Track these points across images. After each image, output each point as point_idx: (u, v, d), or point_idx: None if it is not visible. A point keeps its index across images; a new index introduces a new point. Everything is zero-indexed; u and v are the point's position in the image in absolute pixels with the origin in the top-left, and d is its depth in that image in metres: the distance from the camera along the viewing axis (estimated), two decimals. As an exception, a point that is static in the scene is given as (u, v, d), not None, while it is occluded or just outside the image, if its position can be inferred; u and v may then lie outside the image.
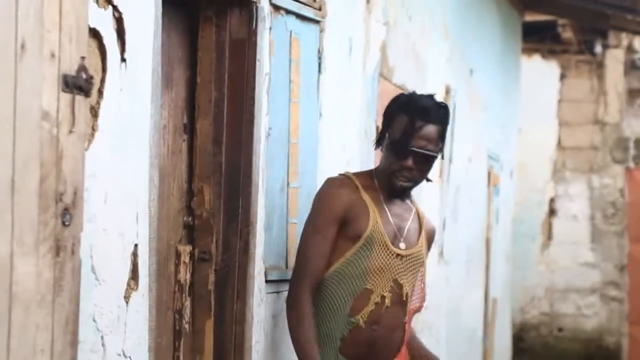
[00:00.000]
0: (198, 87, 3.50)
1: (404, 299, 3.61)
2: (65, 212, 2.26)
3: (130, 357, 2.83)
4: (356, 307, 3.56)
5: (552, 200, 11.65)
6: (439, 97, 3.66)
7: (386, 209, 3.63)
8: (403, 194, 3.70)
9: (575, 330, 11.49)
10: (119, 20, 2.72)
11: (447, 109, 3.64)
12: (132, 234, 2.83)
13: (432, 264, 6.65)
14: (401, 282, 3.60)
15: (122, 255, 2.79)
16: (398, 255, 3.61)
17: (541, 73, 11.50)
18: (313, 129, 4.17)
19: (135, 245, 2.85)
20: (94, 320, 2.65)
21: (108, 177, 2.69)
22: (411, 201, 3.77)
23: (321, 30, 4.21)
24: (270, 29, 3.69)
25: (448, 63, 6.81)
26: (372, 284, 3.57)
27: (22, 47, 2.10)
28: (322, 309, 3.58)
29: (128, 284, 2.82)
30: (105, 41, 2.66)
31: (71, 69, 2.26)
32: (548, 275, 11.60)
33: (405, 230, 3.67)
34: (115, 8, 2.70)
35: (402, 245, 3.64)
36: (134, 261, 2.84)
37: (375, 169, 3.73)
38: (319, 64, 4.20)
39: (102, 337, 2.69)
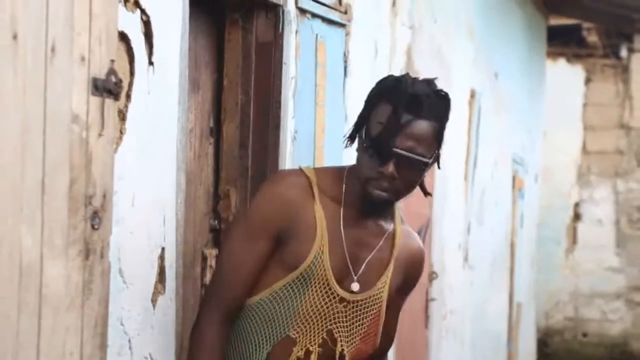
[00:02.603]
0: (224, 90, 3.50)
1: (337, 359, 2.66)
2: (95, 215, 2.26)
3: (157, 361, 2.83)
4: (274, 357, 2.63)
5: (577, 205, 11.60)
6: (441, 85, 2.65)
7: (342, 230, 2.63)
8: (380, 210, 2.67)
9: (600, 335, 11.43)
10: (146, 24, 2.72)
11: (447, 100, 2.58)
12: (159, 237, 2.83)
13: (456, 268, 6.64)
14: (336, 335, 2.66)
15: (149, 259, 2.79)
16: (342, 299, 2.65)
17: (566, 77, 11.46)
18: (339, 132, 4.16)
19: (163, 249, 2.85)
20: (122, 324, 2.65)
21: (135, 180, 2.70)
22: (389, 218, 2.72)
23: (347, 34, 4.20)
24: (296, 32, 3.69)
25: (473, 66, 6.80)
26: (297, 332, 2.63)
27: (52, 50, 2.11)
28: (233, 349, 2.68)
29: (155, 287, 2.82)
30: (133, 44, 2.66)
31: (101, 72, 2.27)
32: (573, 280, 11.55)
33: (364, 265, 2.66)
34: (143, 11, 2.70)
35: (354, 286, 2.66)
36: (161, 264, 2.84)
37: (350, 167, 2.68)
38: (345, 68, 4.20)
39: (129, 340, 2.69)
